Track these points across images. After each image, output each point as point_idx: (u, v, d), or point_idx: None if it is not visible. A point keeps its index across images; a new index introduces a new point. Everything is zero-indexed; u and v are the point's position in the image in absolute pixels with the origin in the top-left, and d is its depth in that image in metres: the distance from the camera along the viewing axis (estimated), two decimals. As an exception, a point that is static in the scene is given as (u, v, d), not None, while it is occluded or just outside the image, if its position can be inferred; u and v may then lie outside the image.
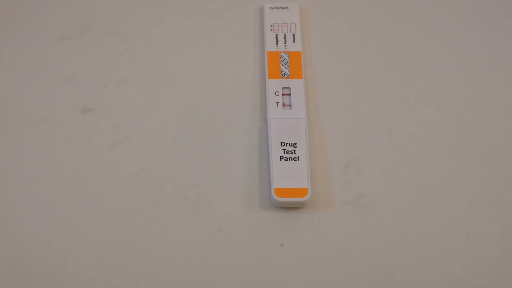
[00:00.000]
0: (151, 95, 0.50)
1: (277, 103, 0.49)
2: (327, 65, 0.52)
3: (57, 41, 0.53)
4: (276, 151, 0.46)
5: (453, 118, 0.49)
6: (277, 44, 0.52)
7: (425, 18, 0.55)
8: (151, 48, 0.53)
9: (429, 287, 0.41)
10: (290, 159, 0.45)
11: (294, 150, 0.46)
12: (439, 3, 0.56)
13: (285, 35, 0.53)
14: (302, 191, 0.44)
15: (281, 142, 0.46)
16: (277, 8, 0.55)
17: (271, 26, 0.54)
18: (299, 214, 0.44)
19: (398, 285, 0.41)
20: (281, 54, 0.52)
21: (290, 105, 0.49)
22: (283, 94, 0.49)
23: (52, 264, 0.42)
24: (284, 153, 0.46)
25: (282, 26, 0.54)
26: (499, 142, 0.48)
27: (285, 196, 0.44)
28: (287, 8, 0.55)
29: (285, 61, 0.51)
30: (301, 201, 0.44)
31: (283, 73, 0.50)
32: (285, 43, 0.52)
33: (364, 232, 0.43)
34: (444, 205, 0.45)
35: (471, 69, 0.52)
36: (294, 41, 0.53)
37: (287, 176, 0.44)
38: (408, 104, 0.50)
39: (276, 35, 0.53)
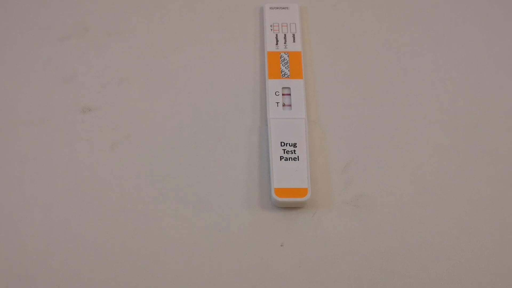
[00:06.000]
0: (151, 95, 0.50)
1: (277, 103, 0.49)
2: (327, 65, 0.52)
3: (57, 41, 0.53)
4: (276, 151, 0.46)
5: (453, 118, 0.49)
6: (277, 44, 0.52)
7: (425, 18, 0.55)
8: (151, 48, 0.53)
9: (429, 287, 0.41)
10: (290, 159, 0.45)
11: (294, 150, 0.46)
12: (439, 3, 0.56)
13: (285, 35, 0.53)
14: (302, 191, 0.44)
15: (281, 142, 0.46)
16: (277, 8, 0.55)
17: (271, 26, 0.54)
18: (299, 214, 0.44)
19: (398, 285, 0.41)
20: (281, 54, 0.52)
21: (290, 105, 0.49)
22: (283, 94, 0.49)
23: (52, 264, 0.42)
24: (284, 153, 0.46)
25: (282, 26, 0.54)
26: (499, 142, 0.48)
27: (285, 196, 0.44)
28: (287, 8, 0.55)
29: (285, 61, 0.51)
30: (301, 201, 0.44)
31: (283, 73, 0.50)
32: (285, 43, 0.52)
33: (364, 232, 0.43)
34: (444, 205, 0.45)
35: (471, 69, 0.52)
36: (294, 41, 0.53)
37: (287, 176, 0.44)
38: (408, 104, 0.50)
39: (276, 35, 0.53)
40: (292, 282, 0.42)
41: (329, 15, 0.55)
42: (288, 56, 0.51)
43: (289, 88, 0.50)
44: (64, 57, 0.52)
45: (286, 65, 0.51)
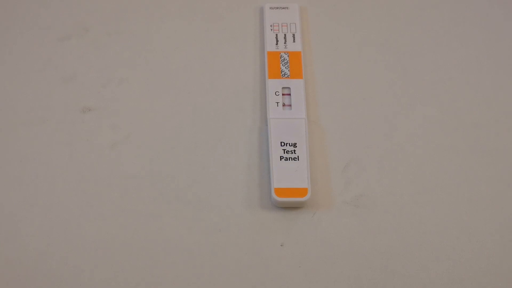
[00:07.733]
0: (151, 95, 0.50)
1: (277, 103, 0.49)
2: (327, 65, 0.52)
3: (57, 41, 0.53)
4: (276, 151, 0.46)
5: (453, 118, 0.49)
6: (277, 44, 0.52)
7: (425, 18, 0.55)
8: (151, 48, 0.53)
9: (429, 287, 0.41)
10: (290, 159, 0.45)
11: (294, 150, 0.46)
12: (439, 3, 0.56)
13: (285, 35, 0.53)
14: (302, 191, 0.44)
15: (281, 142, 0.46)
16: (277, 8, 0.55)
17: (271, 26, 0.54)
18: (299, 214, 0.44)
19: (398, 285, 0.41)
20: (281, 54, 0.52)
21: (290, 105, 0.49)
22: (283, 94, 0.49)
23: (52, 264, 0.42)
24: (284, 153, 0.46)
25: (282, 26, 0.54)
26: (499, 142, 0.48)
27: (285, 196, 0.44)
28: (287, 8, 0.55)
29: (285, 61, 0.51)
30: (301, 201, 0.44)
31: (283, 73, 0.50)
32: (285, 43, 0.52)
33: (364, 232, 0.43)
34: (444, 205, 0.45)
35: (471, 69, 0.52)
36: (294, 41, 0.53)
37: (287, 176, 0.44)
38: (408, 104, 0.50)
39: (276, 35, 0.53)
40: (292, 282, 0.42)
41: (329, 15, 0.55)
42: (288, 56, 0.52)
43: (289, 88, 0.50)
44: (64, 57, 0.52)
45: (286, 65, 0.51)
